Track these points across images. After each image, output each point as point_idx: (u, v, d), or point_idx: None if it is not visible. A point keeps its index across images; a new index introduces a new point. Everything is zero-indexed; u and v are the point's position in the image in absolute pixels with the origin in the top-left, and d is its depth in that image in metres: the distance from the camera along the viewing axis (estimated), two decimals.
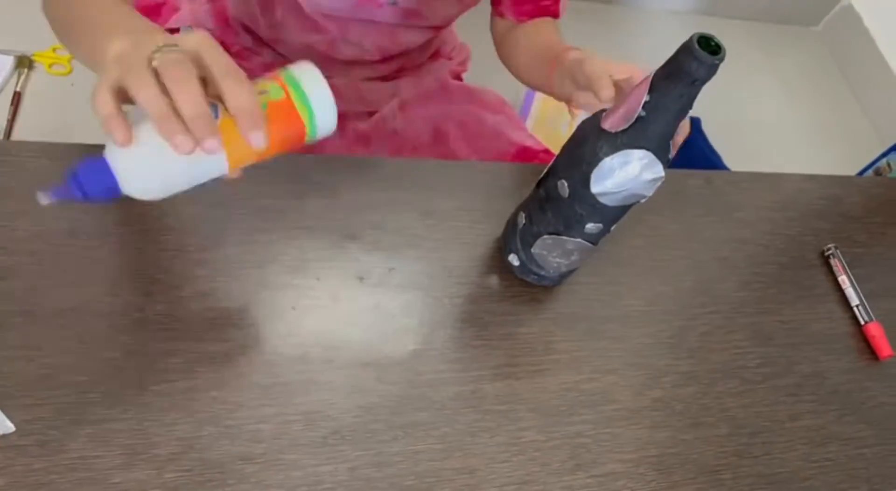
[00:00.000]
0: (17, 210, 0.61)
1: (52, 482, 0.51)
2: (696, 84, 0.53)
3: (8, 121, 1.27)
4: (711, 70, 0.52)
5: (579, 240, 0.65)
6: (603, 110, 0.61)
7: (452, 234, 0.73)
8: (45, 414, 0.53)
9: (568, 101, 0.81)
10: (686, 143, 1.53)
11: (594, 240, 0.66)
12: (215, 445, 0.55)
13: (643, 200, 0.62)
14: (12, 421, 0.52)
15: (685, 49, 0.52)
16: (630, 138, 0.58)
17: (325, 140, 1.05)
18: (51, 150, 0.65)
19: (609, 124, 0.59)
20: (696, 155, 1.51)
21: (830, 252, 0.85)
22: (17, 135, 1.26)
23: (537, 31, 0.94)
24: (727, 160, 1.59)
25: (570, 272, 0.72)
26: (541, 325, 0.70)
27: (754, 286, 0.81)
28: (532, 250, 0.68)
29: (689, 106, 0.56)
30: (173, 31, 1.24)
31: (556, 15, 0.95)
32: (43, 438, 0.52)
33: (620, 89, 0.72)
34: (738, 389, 0.73)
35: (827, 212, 0.91)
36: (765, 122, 1.93)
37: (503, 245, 0.73)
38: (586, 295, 0.74)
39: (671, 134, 0.58)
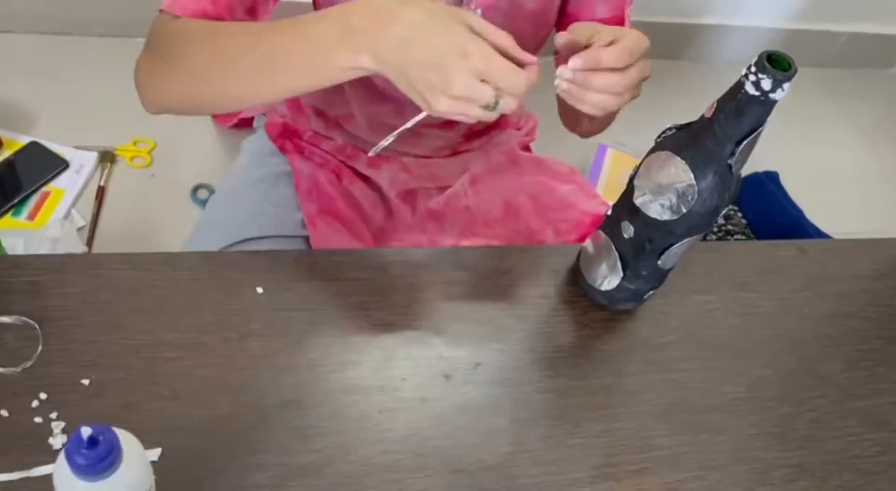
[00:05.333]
0: (109, 323, 0.62)
1: None
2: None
3: (93, 215, 1.32)
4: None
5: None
6: None
7: (537, 324, 0.71)
8: None
9: None
10: (766, 199, 1.49)
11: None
12: None
13: None
14: None
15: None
16: None
17: (399, 217, 1.07)
18: (136, 260, 0.66)
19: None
20: (777, 211, 1.45)
21: None
22: (101, 228, 1.30)
23: None
24: (809, 214, 1.53)
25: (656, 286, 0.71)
26: (637, 419, 0.67)
27: (863, 365, 0.76)
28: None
29: None
30: (248, 119, 1.28)
31: None
32: None
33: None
34: (855, 482, 0.67)
35: None
36: (844, 171, 1.86)
37: (584, 278, 0.71)
38: (683, 383, 0.70)
39: None
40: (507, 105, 0.57)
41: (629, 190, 0.64)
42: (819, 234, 1.43)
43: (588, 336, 0.71)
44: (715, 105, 0.55)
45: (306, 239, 0.93)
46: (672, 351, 0.72)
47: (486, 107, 0.56)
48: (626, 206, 0.65)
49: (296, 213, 0.96)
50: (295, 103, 1.02)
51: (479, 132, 1.05)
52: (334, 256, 0.72)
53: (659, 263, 0.66)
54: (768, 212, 1.44)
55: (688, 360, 0.72)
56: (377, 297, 0.69)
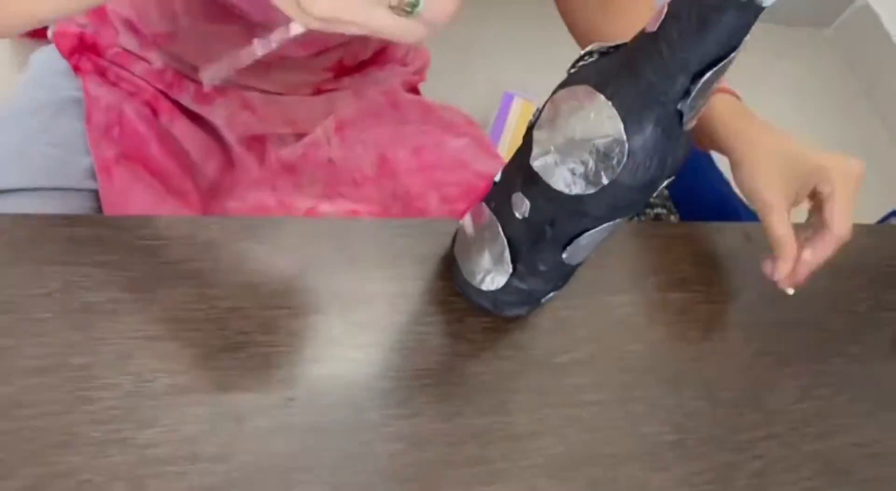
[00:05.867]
0: None
1: None
2: None
3: None
4: None
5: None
6: None
7: (390, 336, 0.49)
8: None
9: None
10: (688, 166, 1.31)
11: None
12: None
13: None
14: None
15: None
16: None
17: (241, 170, 0.82)
18: None
19: None
20: (704, 183, 1.29)
21: None
22: None
23: None
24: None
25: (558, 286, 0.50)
26: (523, 478, 0.46)
27: (818, 393, 0.58)
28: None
29: None
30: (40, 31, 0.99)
31: None
32: None
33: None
34: None
35: None
36: None
37: (460, 271, 0.51)
38: (589, 423, 0.50)
39: None
40: (440, 7, 0.35)
41: (526, 146, 0.43)
42: (748, 212, 1.27)
43: (462, 354, 0.50)
44: (665, 11, 0.34)
45: (95, 194, 0.68)
46: (577, 375, 0.52)
47: (400, 5, 0.34)
48: (520, 170, 0.44)
49: (83, 157, 0.70)
50: (97, 12, 0.75)
51: (351, 68, 0.81)
52: (74, 225, 0.47)
53: (564, 256, 0.45)
54: (692, 183, 1.27)
55: (598, 387, 0.52)
56: (144, 293, 0.45)
